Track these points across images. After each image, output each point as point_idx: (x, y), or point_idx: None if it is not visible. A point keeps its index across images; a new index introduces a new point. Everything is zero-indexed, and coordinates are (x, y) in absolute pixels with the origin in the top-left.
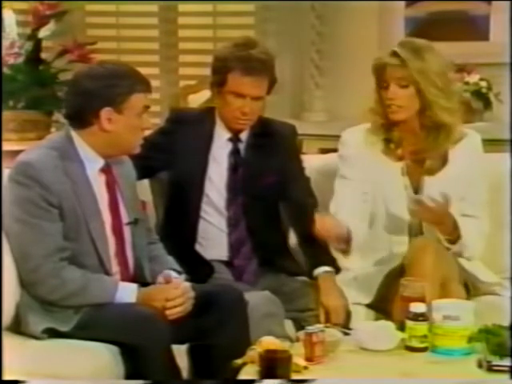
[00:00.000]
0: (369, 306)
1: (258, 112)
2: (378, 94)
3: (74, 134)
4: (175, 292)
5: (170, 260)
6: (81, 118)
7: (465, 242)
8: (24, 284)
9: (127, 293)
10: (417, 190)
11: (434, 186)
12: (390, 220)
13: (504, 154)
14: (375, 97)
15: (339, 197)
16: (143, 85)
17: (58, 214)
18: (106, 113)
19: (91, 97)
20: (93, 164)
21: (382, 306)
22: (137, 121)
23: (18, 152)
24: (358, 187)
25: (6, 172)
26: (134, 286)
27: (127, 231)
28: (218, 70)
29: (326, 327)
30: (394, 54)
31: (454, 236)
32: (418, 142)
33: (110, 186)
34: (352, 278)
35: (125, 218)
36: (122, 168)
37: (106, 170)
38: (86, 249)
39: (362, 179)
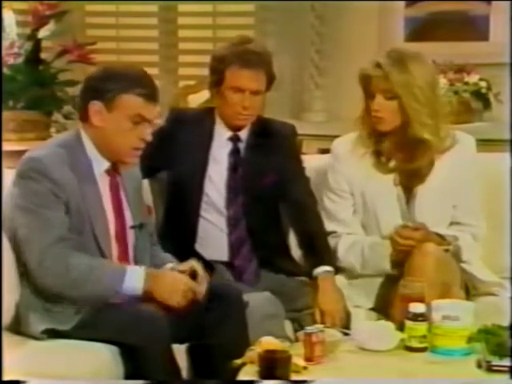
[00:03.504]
0: (370, 308)
1: (258, 108)
2: (366, 103)
3: (81, 131)
4: (201, 287)
5: (168, 256)
6: (78, 110)
7: (459, 246)
8: (29, 276)
9: (135, 276)
10: (409, 199)
11: (425, 196)
12: (382, 231)
13: (504, 154)
14: (363, 106)
15: (336, 214)
16: (144, 89)
17: (64, 207)
18: (94, 106)
19: (86, 89)
20: (99, 164)
21: (382, 310)
22: (126, 124)
23: (17, 152)
24: (347, 200)
25: (5, 172)
26: (141, 270)
27: (131, 234)
28: (215, 69)
29: (326, 327)
30: (378, 65)
31: (446, 244)
32: (405, 153)
33: (114, 189)
34: (349, 284)
35: (129, 221)
36: (128, 171)
37: (111, 172)
38: (88, 247)
39: (351, 192)
